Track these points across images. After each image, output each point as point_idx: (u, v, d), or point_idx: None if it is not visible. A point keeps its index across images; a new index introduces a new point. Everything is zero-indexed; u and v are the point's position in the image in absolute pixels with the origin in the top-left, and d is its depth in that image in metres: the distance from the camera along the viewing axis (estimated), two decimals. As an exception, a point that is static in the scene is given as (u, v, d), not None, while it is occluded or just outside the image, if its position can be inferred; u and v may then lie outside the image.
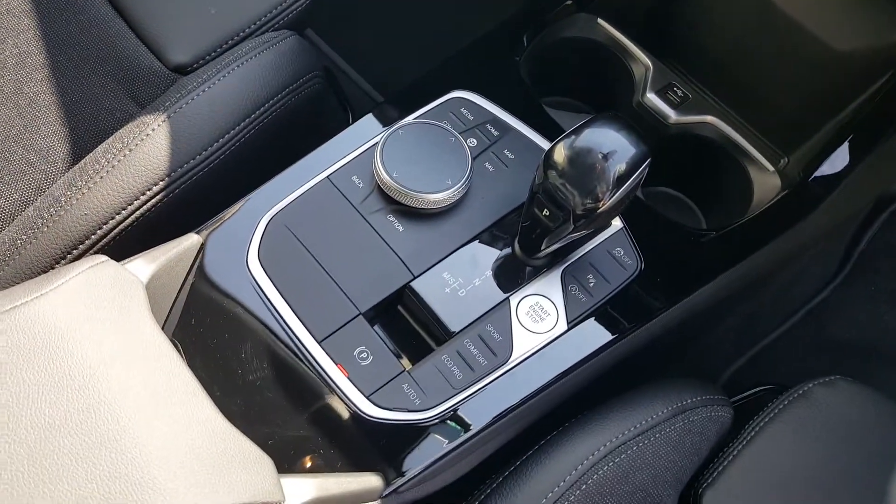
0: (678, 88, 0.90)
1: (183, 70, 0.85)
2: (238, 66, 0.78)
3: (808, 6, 0.86)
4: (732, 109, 1.02)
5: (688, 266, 0.79)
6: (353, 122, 1.12)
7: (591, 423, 0.71)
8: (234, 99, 0.77)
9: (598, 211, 0.63)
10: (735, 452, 0.75)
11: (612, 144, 0.63)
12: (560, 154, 0.63)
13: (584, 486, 0.67)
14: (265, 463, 0.55)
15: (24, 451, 0.47)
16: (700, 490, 0.74)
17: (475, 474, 0.71)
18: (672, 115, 0.89)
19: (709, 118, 0.89)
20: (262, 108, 0.79)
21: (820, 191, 0.85)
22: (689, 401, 0.75)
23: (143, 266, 0.62)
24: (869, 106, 0.87)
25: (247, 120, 0.78)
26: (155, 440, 0.50)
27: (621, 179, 0.62)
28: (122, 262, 0.60)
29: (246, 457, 0.54)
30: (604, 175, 0.62)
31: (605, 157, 0.62)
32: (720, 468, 0.74)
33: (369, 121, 0.81)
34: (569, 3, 0.94)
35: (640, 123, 0.91)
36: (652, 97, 0.89)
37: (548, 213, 0.65)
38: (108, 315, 0.50)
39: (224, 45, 0.84)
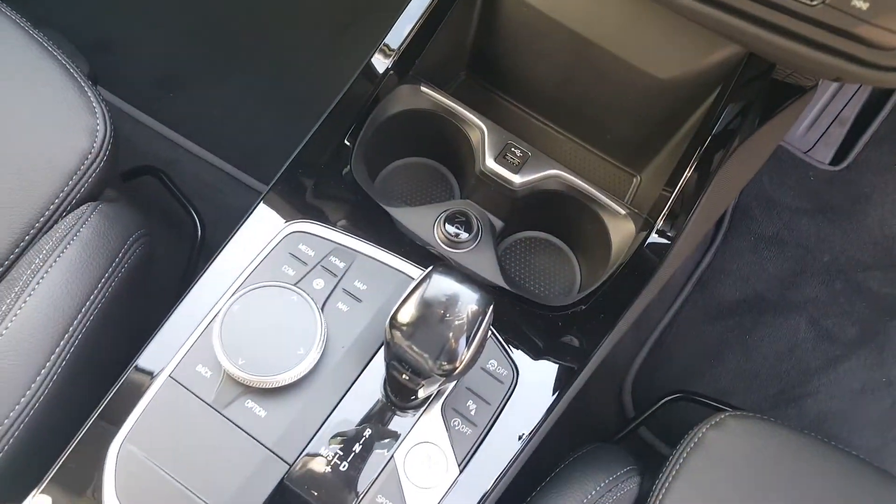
0: (516, 149, 0.87)
1: (-15, 279, 0.75)
2: (39, 283, 0.69)
3: (625, 42, 0.83)
4: (580, 140, 1.01)
5: (565, 349, 0.78)
6: (200, 222, 1.05)
7: None
8: (42, 325, 0.69)
9: (457, 371, 0.60)
10: None
11: (452, 300, 0.59)
12: (404, 318, 0.60)
13: None
14: None
15: None
16: None
17: None
18: (516, 178, 0.85)
19: (551, 172, 0.87)
20: (81, 313, 0.72)
21: (670, 232, 0.84)
22: (593, 492, 0.75)
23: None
24: (708, 121, 0.87)
25: (66, 336, 0.70)
26: None
27: (470, 334, 0.59)
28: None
29: None
30: (451, 334, 0.59)
31: (447, 315, 0.59)
32: None
33: (204, 287, 0.74)
34: (391, 73, 0.89)
35: (489, 189, 0.88)
36: (492, 164, 0.86)
37: (407, 378, 0.62)
38: None
39: (22, 243, 0.75)
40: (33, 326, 0.68)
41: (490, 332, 0.74)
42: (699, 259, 1.33)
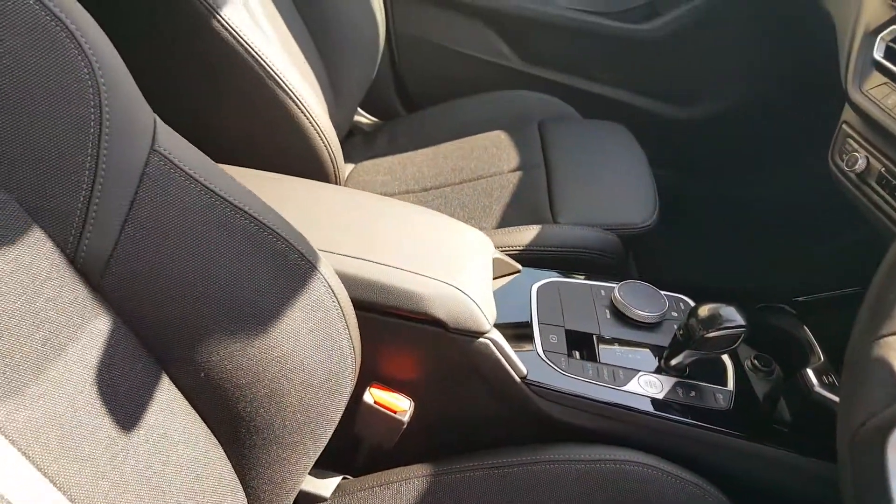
0: (830, 376, 1.33)
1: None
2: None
3: None
4: None
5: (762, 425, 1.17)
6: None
7: None
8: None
9: (706, 336, 1.16)
10: None
11: (732, 317, 1.16)
12: (703, 310, 1.19)
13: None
14: None
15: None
16: None
17: None
18: (818, 388, 1.31)
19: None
20: None
21: None
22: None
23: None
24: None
25: None
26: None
27: (724, 328, 1.15)
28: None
29: None
30: (716, 323, 1.16)
31: (725, 317, 1.17)
32: None
33: None
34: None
35: (801, 395, 1.33)
36: (822, 392, 1.30)
37: (682, 333, 1.21)
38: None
39: None
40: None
41: (732, 389, 1.24)
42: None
